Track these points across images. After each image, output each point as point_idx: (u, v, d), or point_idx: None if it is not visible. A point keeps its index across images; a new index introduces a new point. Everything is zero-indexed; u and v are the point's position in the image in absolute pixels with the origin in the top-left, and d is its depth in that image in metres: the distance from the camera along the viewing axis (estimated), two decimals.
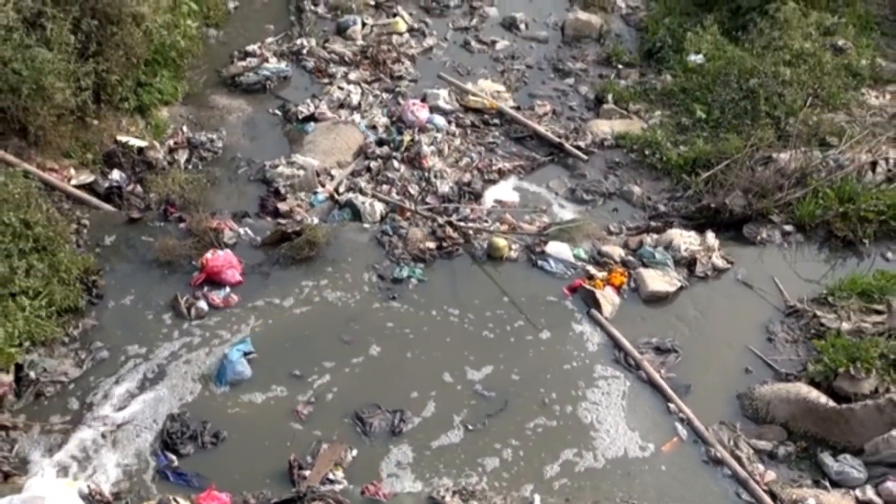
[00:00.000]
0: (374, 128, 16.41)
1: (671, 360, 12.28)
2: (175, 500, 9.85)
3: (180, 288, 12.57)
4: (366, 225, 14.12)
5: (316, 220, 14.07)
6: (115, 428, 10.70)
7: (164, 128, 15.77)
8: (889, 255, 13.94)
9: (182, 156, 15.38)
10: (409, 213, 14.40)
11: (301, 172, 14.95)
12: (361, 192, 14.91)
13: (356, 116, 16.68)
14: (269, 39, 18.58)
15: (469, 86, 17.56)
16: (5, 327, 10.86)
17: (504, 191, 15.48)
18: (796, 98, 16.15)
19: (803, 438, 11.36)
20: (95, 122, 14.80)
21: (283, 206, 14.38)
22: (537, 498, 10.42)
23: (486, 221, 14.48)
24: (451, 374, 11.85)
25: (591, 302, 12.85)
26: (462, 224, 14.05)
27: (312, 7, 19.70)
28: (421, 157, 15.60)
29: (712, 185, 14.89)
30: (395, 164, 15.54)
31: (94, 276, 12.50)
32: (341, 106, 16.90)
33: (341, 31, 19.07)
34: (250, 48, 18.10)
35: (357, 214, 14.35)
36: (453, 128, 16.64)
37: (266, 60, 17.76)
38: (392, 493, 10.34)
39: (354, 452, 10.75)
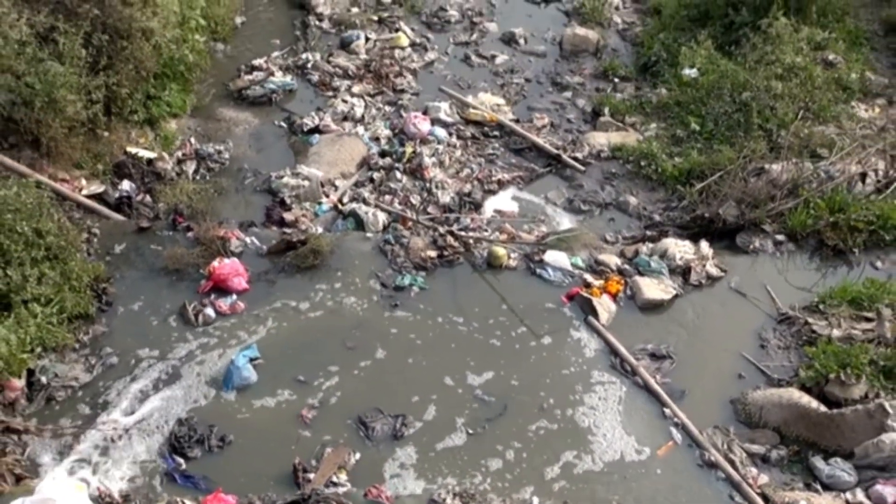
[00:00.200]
0: (376, 139, 16.42)
1: (666, 366, 12.29)
2: (183, 502, 9.88)
3: (188, 295, 12.60)
4: (369, 234, 14.13)
5: (320, 230, 14.09)
6: (125, 432, 10.71)
7: (173, 139, 15.79)
8: (878, 263, 13.95)
9: (190, 167, 15.39)
10: (410, 223, 14.41)
11: (306, 183, 14.97)
12: (365, 202, 14.92)
13: (359, 128, 16.70)
14: (275, 54, 18.60)
15: (469, 99, 17.58)
16: (18, 333, 10.86)
17: (503, 201, 15.48)
18: (788, 111, 16.17)
19: (795, 442, 11.37)
20: (106, 133, 14.84)
21: (288, 216, 14.40)
22: (536, 501, 10.43)
23: (486, 231, 14.48)
24: (451, 380, 11.86)
25: (589, 309, 12.86)
26: (462, 233, 14.06)
27: (317, 22, 19.73)
28: (422, 168, 15.61)
29: (706, 196, 14.90)
30: (398, 174, 15.56)
31: (104, 283, 12.53)
32: (345, 118, 16.92)
33: (345, 46, 19.09)
34: (256, 62, 18.12)
35: (360, 224, 14.36)
36: (454, 140, 16.65)
37: (272, 74, 17.78)
38: (394, 495, 10.34)
39: (358, 456, 10.76)
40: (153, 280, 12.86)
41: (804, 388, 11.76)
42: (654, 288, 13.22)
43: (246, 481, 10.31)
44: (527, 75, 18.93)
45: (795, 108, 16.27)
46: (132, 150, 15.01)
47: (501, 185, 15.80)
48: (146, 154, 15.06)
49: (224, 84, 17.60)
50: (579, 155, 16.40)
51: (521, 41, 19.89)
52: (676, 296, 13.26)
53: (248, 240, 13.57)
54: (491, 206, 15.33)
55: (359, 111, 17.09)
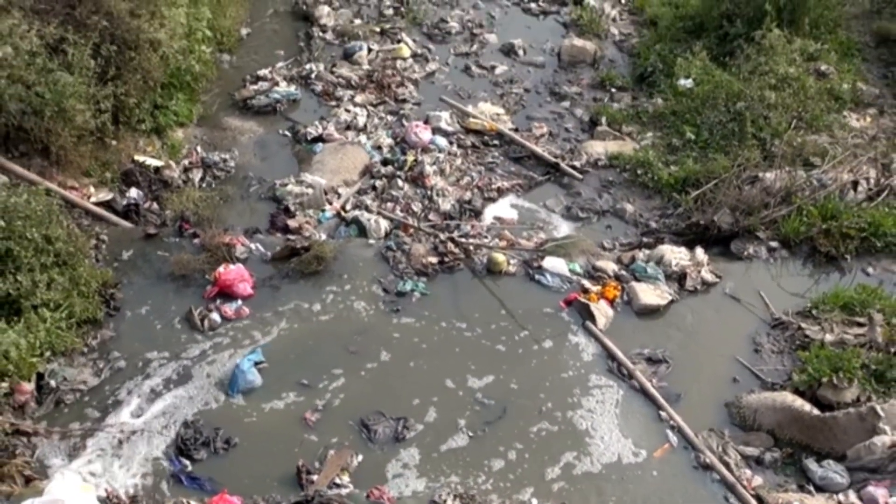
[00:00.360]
0: (379, 148, 16.44)
1: (662, 369, 12.29)
2: (189, 503, 9.87)
3: (194, 300, 12.60)
4: (371, 241, 14.14)
5: (323, 237, 14.10)
6: (132, 434, 10.71)
7: (180, 148, 15.79)
8: (870, 269, 13.96)
9: (196, 175, 15.39)
10: (412, 230, 14.43)
11: (309, 191, 14.98)
12: (367, 209, 14.93)
13: (362, 137, 16.71)
14: (280, 64, 18.62)
15: (470, 108, 17.61)
16: (27, 338, 10.87)
17: (503, 208, 15.48)
18: (781, 120, 16.19)
19: (789, 445, 11.37)
20: (114, 142, 14.85)
21: (292, 223, 14.41)
22: (535, 502, 10.44)
23: (486, 237, 14.49)
24: (452, 383, 11.86)
25: (586, 314, 12.86)
26: (463, 240, 14.07)
27: (321, 34, 19.74)
28: (424, 177, 15.63)
29: (701, 203, 14.91)
30: (399, 182, 15.57)
31: (112, 289, 12.53)
32: (348, 127, 16.93)
33: (348, 57, 19.10)
34: (261, 73, 18.14)
35: (363, 231, 14.37)
36: (455, 148, 16.66)
37: (276, 84, 17.80)
38: (396, 496, 10.33)
39: (360, 458, 10.76)
40: (160, 286, 12.87)
41: (797, 391, 11.77)
42: (650, 293, 13.22)
43: (250, 483, 10.31)
44: (526, 85, 18.94)
45: (789, 117, 16.30)
46: (140, 158, 15.03)
47: (501, 192, 15.81)
48: (153, 162, 15.08)
49: (230, 94, 17.60)
50: (577, 163, 16.41)
51: (521, 52, 19.91)
52: (672, 301, 13.26)
53: (252, 246, 13.57)
54: (491, 213, 15.33)
55: (361, 120, 17.11)
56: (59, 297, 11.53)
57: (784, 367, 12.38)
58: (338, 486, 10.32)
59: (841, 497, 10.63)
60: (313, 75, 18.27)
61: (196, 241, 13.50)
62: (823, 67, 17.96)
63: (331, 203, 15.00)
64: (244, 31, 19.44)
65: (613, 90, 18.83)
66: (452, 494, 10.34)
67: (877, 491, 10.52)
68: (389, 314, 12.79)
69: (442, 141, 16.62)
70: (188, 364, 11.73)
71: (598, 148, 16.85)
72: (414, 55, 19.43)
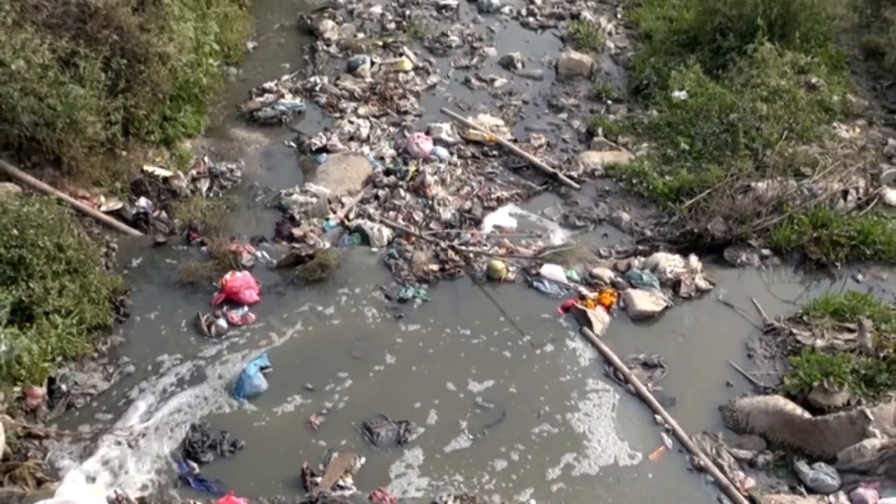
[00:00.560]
0: (381, 159, 16.45)
1: (657, 374, 12.28)
2: None
3: (202, 307, 12.60)
4: (374, 249, 14.14)
5: (328, 245, 14.12)
6: (141, 437, 10.70)
7: (188, 158, 15.82)
8: (859, 277, 13.94)
9: (204, 184, 15.42)
10: (414, 238, 14.43)
11: (314, 200, 15.00)
12: (370, 218, 14.94)
13: (365, 148, 16.73)
14: (285, 77, 18.64)
15: (470, 120, 17.62)
16: (39, 343, 10.86)
17: (502, 217, 15.49)
18: (773, 131, 16.18)
19: (781, 448, 11.35)
20: (124, 153, 14.86)
21: (297, 232, 14.42)
22: (533, 503, 10.43)
23: (486, 245, 14.50)
24: (453, 387, 11.85)
25: (583, 320, 12.86)
26: (463, 248, 14.08)
27: (325, 47, 19.77)
28: (425, 186, 15.64)
29: (695, 212, 14.91)
30: (401, 192, 15.59)
31: (121, 295, 12.52)
32: (351, 138, 16.95)
33: (351, 70, 19.13)
34: (267, 85, 18.17)
35: (366, 239, 14.38)
36: (455, 159, 16.68)
37: (282, 96, 17.82)
38: (398, 498, 10.33)
39: (363, 460, 10.74)
40: (168, 292, 12.87)
41: (789, 395, 11.76)
42: (645, 300, 13.22)
43: (256, 485, 10.30)
44: (524, 97, 18.95)
45: (780, 128, 16.29)
46: (149, 168, 15.04)
47: (500, 202, 15.81)
48: (162, 172, 15.09)
49: (236, 106, 17.63)
50: (574, 173, 16.43)
51: (519, 65, 19.93)
52: (667, 307, 13.26)
53: (258, 254, 13.57)
54: (490, 221, 15.32)
55: (364, 132, 17.13)
56: (70, 304, 11.53)
57: (776, 371, 12.37)
58: (341, 487, 10.30)
59: (832, 499, 10.62)
60: (318, 88, 18.30)
61: (203, 249, 13.49)
62: (814, 80, 17.97)
63: (335, 212, 15.01)
64: (251, 45, 19.47)
65: (609, 102, 18.84)
66: (453, 496, 10.33)
67: (866, 493, 10.49)
68: (392, 320, 12.79)
69: (443, 152, 16.64)
70: (196, 369, 11.72)
71: (594, 158, 16.86)
72: (415, 68, 19.46)
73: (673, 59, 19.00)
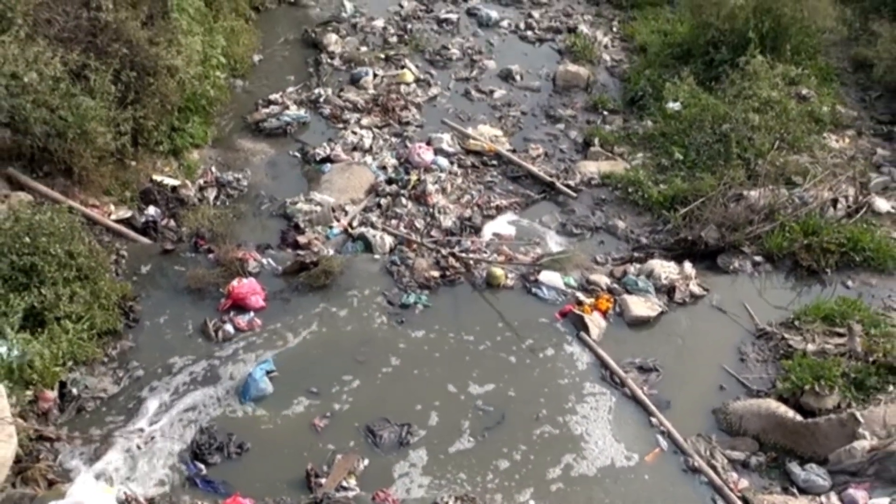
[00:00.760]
0: (384, 168, 16.48)
1: (653, 378, 12.29)
2: None
3: (209, 313, 12.60)
4: (376, 256, 14.15)
5: (331, 252, 14.10)
6: (150, 439, 10.72)
7: (195, 168, 15.84)
8: (849, 283, 13.95)
9: (211, 193, 15.44)
10: (415, 245, 14.44)
11: (318, 208, 15.02)
12: (373, 226, 14.95)
13: (368, 158, 16.76)
14: (290, 89, 18.67)
15: (470, 130, 17.65)
16: (51, 348, 10.89)
17: (501, 225, 15.50)
18: (764, 141, 16.22)
19: (773, 449, 11.36)
20: (133, 163, 14.90)
21: (301, 239, 14.43)
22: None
23: (485, 253, 14.49)
24: (453, 391, 11.85)
25: (580, 325, 12.87)
26: (463, 255, 14.08)
27: (329, 60, 19.79)
28: (426, 195, 15.66)
29: (689, 220, 14.93)
30: (403, 201, 15.60)
31: (131, 301, 12.53)
32: (354, 149, 16.97)
33: (355, 82, 19.16)
34: (273, 97, 18.21)
35: (368, 246, 14.38)
36: (455, 168, 16.70)
37: (287, 108, 17.85)
38: (400, 499, 10.32)
39: (366, 462, 10.75)
40: (177, 299, 12.88)
41: (781, 398, 11.77)
42: (641, 305, 13.23)
43: (262, 486, 10.30)
44: (523, 109, 18.98)
45: (771, 138, 16.33)
46: (158, 178, 15.07)
47: (499, 210, 15.83)
48: (170, 182, 15.12)
49: (242, 117, 17.66)
50: (571, 182, 16.46)
51: (518, 77, 19.96)
52: (662, 313, 13.26)
53: (264, 261, 13.58)
54: (490, 229, 15.34)
55: (367, 142, 17.15)
56: (80, 310, 11.54)
57: (768, 375, 12.37)
58: (345, 489, 10.31)
59: (823, 499, 10.63)
60: (322, 99, 18.33)
61: (211, 256, 13.51)
62: (804, 91, 18.01)
63: (338, 220, 15.02)
64: (256, 58, 19.51)
65: (605, 113, 18.88)
66: (454, 496, 10.33)
67: (857, 493, 10.50)
68: (394, 325, 12.79)
69: (443, 161, 16.66)
70: (203, 372, 11.73)
71: (591, 168, 16.88)
72: (417, 80, 19.49)
73: (667, 71, 19.04)
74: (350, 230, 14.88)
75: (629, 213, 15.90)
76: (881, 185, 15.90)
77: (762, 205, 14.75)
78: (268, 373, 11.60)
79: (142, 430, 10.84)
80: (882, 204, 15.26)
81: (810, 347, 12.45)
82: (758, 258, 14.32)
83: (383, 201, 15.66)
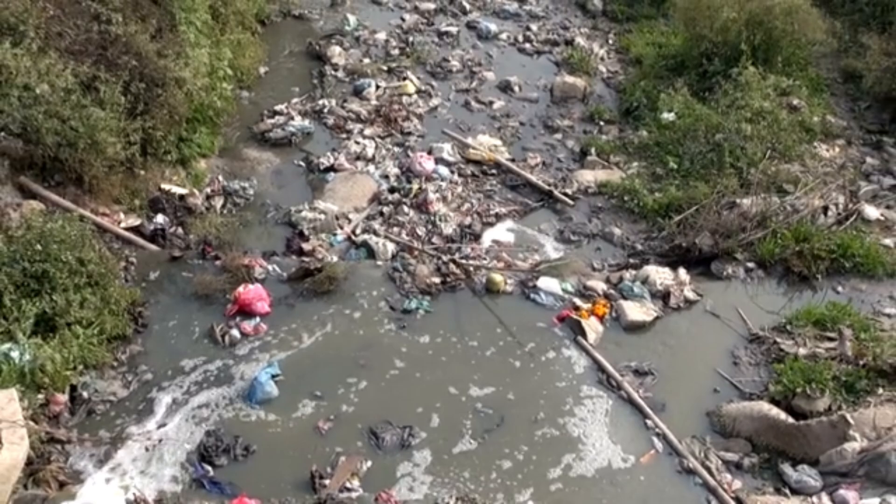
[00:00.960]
0: (386, 177, 16.49)
1: (648, 381, 12.28)
2: None
3: (216, 318, 12.60)
4: (379, 262, 14.16)
5: (335, 259, 14.12)
6: (158, 441, 10.70)
7: (203, 177, 15.85)
8: (840, 288, 13.95)
9: (218, 202, 15.44)
10: (417, 252, 14.45)
11: (322, 216, 15.03)
12: (375, 233, 14.96)
13: (371, 167, 16.76)
14: (295, 100, 18.69)
15: (470, 140, 17.66)
16: (62, 353, 10.91)
17: (501, 232, 15.51)
18: (757, 151, 16.22)
19: (766, 451, 11.35)
20: (142, 172, 14.90)
21: (306, 246, 14.44)
22: None
23: (485, 259, 14.51)
24: (454, 394, 11.85)
25: (578, 330, 12.87)
26: (464, 261, 14.09)
27: (332, 72, 19.81)
28: (427, 203, 15.67)
29: (684, 227, 14.94)
30: (405, 209, 15.62)
31: (140, 307, 12.54)
32: (357, 158, 16.98)
33: (358, 93, 19.17)
34: (278, 108, 18.22)
35: (371, 253, 14.40)
36: (456, 177, 16.70)
37: (292, 118, 17.87)
38: (402, 500, 10.32)
39: (369, 463, 10.75)
40: (184, 304, 12.88)
41: (773, 401, 11.76)
42: (637, 310, 13.23)
43: (267, 487, 10.30)
44: (521, 119, 18.99)
45: (763, 148, 16.33)
46: (166, 186, 15.08)
47: (499, 218, 15.84)
48: (178, 190, 15.12)
49: (248, 127, 17.66)
50: (569, 191, 16.46)
51: (516, 88, 19.97)
52: (657, 318, 13.27)
53: (270, 268, 13.58)
54: (489, 236, 15.36)
55: (370, 151, 17.16)
56: (91, 315, 11.56)
57: (761, 378, 12.37)
58: (348, 490, 10.32)
59: (814, 499, 10.62)
60: (326, 110, 18.35)
61: (217, 263, 13.51)
62: (795, 102, 18.01)
63: (342, 228, 15.03)
64: (262, 70, 19.52)
65: (602, 123, 18.90)
66: (455, 497, 10.33)
67: (847, 493, 10.49)
68: (396, 330, 12.80)
69: (444, 170, 16.67)
70: (210, 376, 11.73)
71: (587, 176, 16.89)
72: (418, 91, 19.50)
73: (662, 82, 19.05)
74: (353, 237, 14.89)
75: (625, 220, 15.91)
76: (870, 193, 15.93)
77: (755, 212, 14.76)
78: (273, 376, 11.60)
79: (150, 432, 10.83)
80: (871, 211, 15.27)
81: (802, 351, 12.45)
82: (750, 264, 14.32)
83: (385, 209, 15.67)
